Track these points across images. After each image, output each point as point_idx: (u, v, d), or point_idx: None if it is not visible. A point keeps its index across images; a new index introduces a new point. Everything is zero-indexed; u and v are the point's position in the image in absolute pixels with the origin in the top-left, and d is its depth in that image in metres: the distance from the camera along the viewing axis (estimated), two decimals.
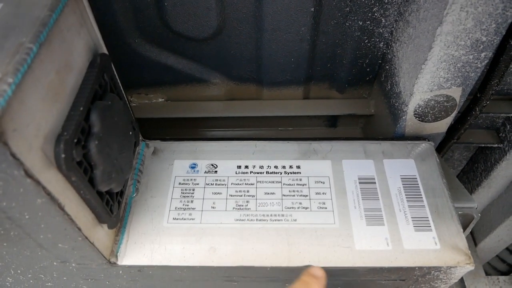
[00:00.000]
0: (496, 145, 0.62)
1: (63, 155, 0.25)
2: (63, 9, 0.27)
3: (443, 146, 0.56)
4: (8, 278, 0.39)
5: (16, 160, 0.21)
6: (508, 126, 0.60)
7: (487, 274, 0.87)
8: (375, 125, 0.55)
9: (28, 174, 0.23)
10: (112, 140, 0.32)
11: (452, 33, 0.34)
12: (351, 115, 0.56)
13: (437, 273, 0.36)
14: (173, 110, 0.56)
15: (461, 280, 0.83)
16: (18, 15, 0.25)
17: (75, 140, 0.26)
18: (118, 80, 0.36)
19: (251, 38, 0.48)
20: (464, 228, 0.47)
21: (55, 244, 0.31)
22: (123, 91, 0.37)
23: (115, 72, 0.35)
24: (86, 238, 0.30)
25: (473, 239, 0.82)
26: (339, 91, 0.56)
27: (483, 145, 0.63)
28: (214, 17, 0.45)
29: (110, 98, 0.32)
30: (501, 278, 0.87)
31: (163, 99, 0.57)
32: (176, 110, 0.56)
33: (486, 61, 0.37)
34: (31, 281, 0.39)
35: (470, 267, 0.35)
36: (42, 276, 0.38)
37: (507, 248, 0.83)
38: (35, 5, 0.26)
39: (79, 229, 0.29)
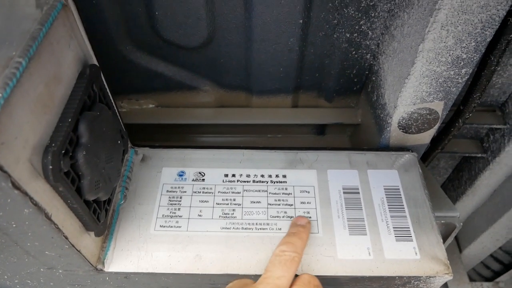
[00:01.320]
0: (480, 155, 0.63)
1: (50, 167, 0.25)
2: (53, 23, 0.27)
3: (428, 156, 0.57)
4: None
5: (4, 173, 0.22)
6: (491, 136, 0.61)
7: (471, 280, 0.88)
8: (361, 135, 0.56)
9: (16, 186, 0.23)
10: (100, 149, 0.32)
11: (434, 50, 0.35)
12: (338, 124, 0.57)
13: (417, 282, 0.37)
14: (163, 116, 0.56)
15: (446, 286, 0.84)
16: (8, 28, 0.26)
17: (63, 151, 0.27)
18: (108, 90, 0.36)
19: (240, 47, 0.49)
20: (446, 237, 0.49)
21: (42, 252, 0.31)
22: (112, 101, 0.38)
23: (104, 82, 0.36)
24: (73, 246, 0.31)
25: (458, 246, 0.84)
26: (327, 100, 0.57)
27: (467, 155, 0.65)
28: (204, 27, 0.46)
29: (98, 108, 0.32)
30: (485, 284, 0.88)
31: (153, 105, 0.57)
32: (166, 116, 0.56)
33: (467, 77, 0.38)
34: (18, 286, 0.40)
35: (449, 277, 0.36)
36: (29, 281, 0.38)
37: (491, 255, 0.85)
38: (26, 18, 0.26)
39: (66, 237, 0.29)
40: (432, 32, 0.34)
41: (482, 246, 0.76)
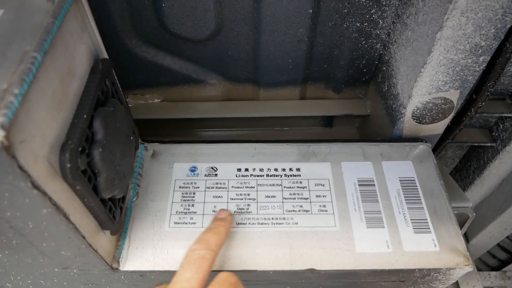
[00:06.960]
0: (489, 144, 0.62)
1: (68, 165, 0.25)
2: (66, 15, 0.26)
3: (437, 146, 0.57)
4: (7, 284, 0.38)
5: (23, 172, 0.21)
6: (501, 125, 0.61)
7: (478, 269, 0.89)
8: (371, 126, 0.55)
9: (35, 186, 0.22)
10: (114, 146, 0.32)
11: (452, 37, 0.35)
12: (347, 115, 0.56)
13: (436, 274, 0.37)
14: (170, 111, 0.55)
15: None
16: (19, 21, 0.25)
17: (80, 149, 0.26)
18: (119, 85, 0.35)
19: (248, 39, 0.48)
20: (459, 228, 0.48)
21: (58, 252, 0.31)
22: (123, 96, 0.37)
23: (115, 77, 0.35)
24: (90, 245, 0.30)
25: (465, 236, 0.83)
26: (336, 91, 0.56)
27: (476, 144, 0.64)
28: (212, 19, 0.45)
29: (112, 104, 0.32)
30: (492, 273, 0.89)
31: (159, 100, 0.56)
32: (173, 111, 0.56)
33: (484, 65, 0.38)
34: (31, 286, 0.39)
35: (469, 269, 0.36)
36: (42, 281, 0.38)
37: (498, 244, 0.85)
38: (37, 11, 0.25)
39: (83, 237, 0.29)
40: (451, 19, 0.33)
41: (490, 236, 0.76)
